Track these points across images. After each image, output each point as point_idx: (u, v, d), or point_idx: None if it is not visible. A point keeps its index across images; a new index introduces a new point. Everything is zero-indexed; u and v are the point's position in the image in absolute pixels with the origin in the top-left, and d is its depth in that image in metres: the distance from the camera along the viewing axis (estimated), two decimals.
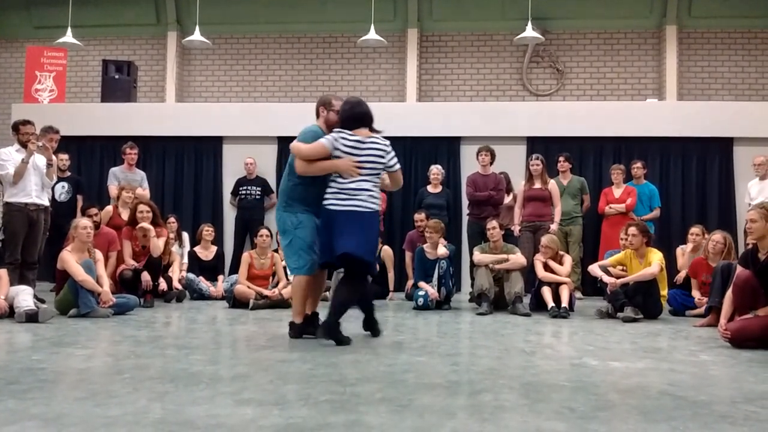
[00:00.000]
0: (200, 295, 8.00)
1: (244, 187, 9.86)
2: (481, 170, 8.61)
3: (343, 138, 4.66)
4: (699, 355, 4.36)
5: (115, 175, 8.74)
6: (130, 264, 7.22)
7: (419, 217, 8.38)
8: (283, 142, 9.48)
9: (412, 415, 2.70)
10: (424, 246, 7.50)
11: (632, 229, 6.74)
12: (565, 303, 6.64)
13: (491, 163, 8.59)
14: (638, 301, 6.33)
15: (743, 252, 5.56)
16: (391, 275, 8.42)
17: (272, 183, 9.93)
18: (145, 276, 7.02)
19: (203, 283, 8.11)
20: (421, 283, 7.22)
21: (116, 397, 2.91)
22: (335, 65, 12.46)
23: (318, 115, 5.00)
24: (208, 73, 12.71)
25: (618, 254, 7.00)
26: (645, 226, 6.93)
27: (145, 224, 7.26)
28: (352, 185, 4.63)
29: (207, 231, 8.53)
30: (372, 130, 4.80)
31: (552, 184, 8.36)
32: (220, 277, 8.32)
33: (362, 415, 2.67)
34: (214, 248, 8.58)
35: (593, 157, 9.95)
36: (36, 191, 6.74)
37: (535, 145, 9.68)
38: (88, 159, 10.53)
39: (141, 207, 7.40)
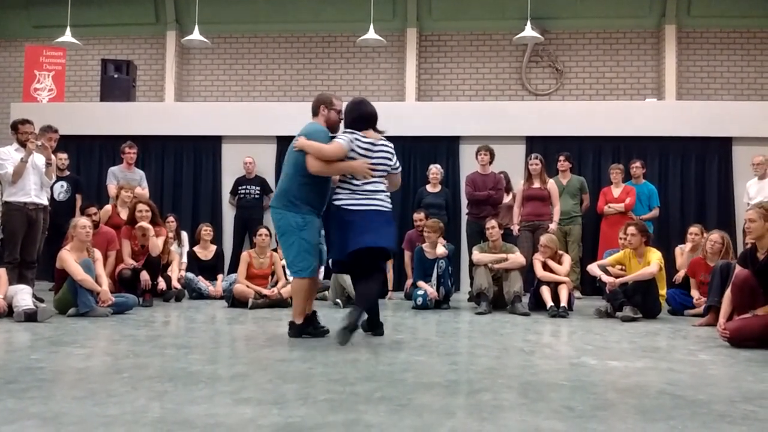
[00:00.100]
0: (199, 295, 8.00)
1: (243, 187, 9.86)
2: (480, 170, 8.62)
3: (357, 139, 4.73)
4: (698, 355, 4.36)
5: (114, 175, 8.74)
6: (129, 263, 7.22)
7: (418, 216, 8.38)
8: (282, 142, 9.48)
9: (411, 414, 2.71)
10: (423, 245, 7.50)
11: (631, 229, 6.74)
12: (564, 302, 6.64)
13: (490, 163, 8.59)
14: (637, 301, 6.34)
15: (742, 251, 5.57)
16: (390, 275, 8.42)
17: (271, 182, 9.93)
18: (144, 275, 7.02)
19: (202, 283, 8.11)
20: (420, 283, 7.22)
21: (115, 397, 2.90)
22: (334, 65, 12.46)
23: (317, 113, 4.96)
24: (207, 73, 12.71)
25: (617, 254, 7.00)
26: (644, 226, 6.94)
27: (144, 223, 7.26)
28: (369, 186, 4.73)
29: (205, 231, 8.53)
30: (375, 130, 4.86)
31: (551, 183, 8.37)
32: (220, 277, 8.32)
33: (361, 415, 2.68)
34: (213, 247, 8.57)
35: (592, 156, 9.95)
36: (35, 190, 6.74)
37: (535, 144, 9.69)
38: (87, 158, 10.53)
39: (140, 206, 7.39)
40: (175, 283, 7.81)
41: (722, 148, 9.75)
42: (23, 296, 5.69)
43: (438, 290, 7.13)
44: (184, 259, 8.46)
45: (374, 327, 4.97)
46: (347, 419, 2.60)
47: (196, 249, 8.48)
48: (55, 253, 6.35)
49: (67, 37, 10.65)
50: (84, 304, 5.87)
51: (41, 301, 6.12)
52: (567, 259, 7.23)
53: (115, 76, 10.89)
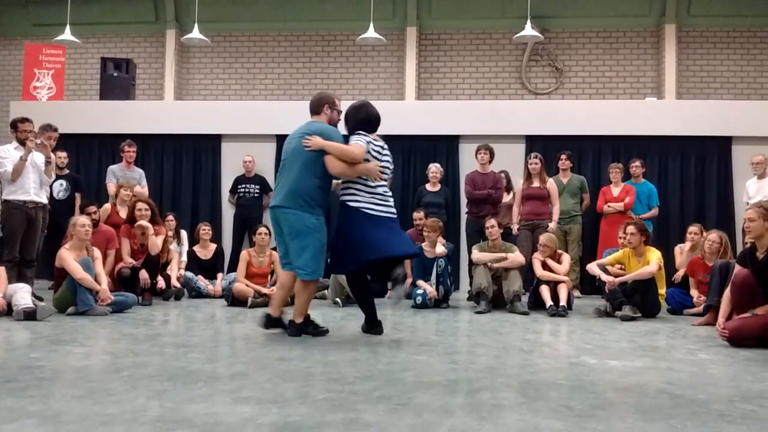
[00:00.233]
0: (198, 294, 8.00)
1: (243, 185, 9.86)
2: (479, 169, 8.62)
3: (370, 142, 4.81)
4: (697, 354, 4.36)
5: (114, 173, 8.74)
6: (129, 262, 7.21)
7: (418, 215, 8.38)
8: (282, 140, 9.44)
9: (411, 413, 2.71)
10: (423, 245, 7.50)
11: (631, 228, 6.74)
12: (563, 302, 6.64)
13: (490, 162, 8.59)
14: (636, 300, 6.34)
15: (741, 251, 5.57)
16: None
17: (271, 181, 9.92)
18: (144, 274, 7.01)
19: (201, 281, 8.10)
20: (420, 282, 7.22)
21: (114, 395, 2.90)
22: (334, 63, 12.45)
23: (318, 112, 4.93)
24: (206, 71, 12.70)
25: (616, 253, 7.01)
26: (643, 225, 6.94)
27: (144, 222, 7.25)
28: (380, 190, 4.84)
29: (204, 230, 8.52)
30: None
31: (550, 182, 8.37)
32: (219, 275, 8.31)
33: (360, 414, 2.68)
34: (213, 246, 8.56)
35: (592, 155, 9.96)
36: (34, 189, 6.73)
37: (534, 143, 9.69)
38: (86, 157, 10.53)
39: (139, 205, 7.39)
40: (175, 282, 7.81)
41: (722, 148, 9.75)
42: (22, 295, 5.68)
43: (437, 289, 7.13)
44: (184, 257, 8.46)
45: (373, 326, 4.98)
46: (346, 418, 2.60)
47: (195, 248, 8.47)
48: (55, 252, 6.35)
49: (67, 35, 10.64)
50: (83, 303, 5.87)
51: (40, 299, 6.12)
52: (566, 259, 7.24)
53: (115, 74, 10.89)
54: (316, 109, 4.95)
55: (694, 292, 6.86)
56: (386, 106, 10.62)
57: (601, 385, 3.35)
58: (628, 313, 6.21)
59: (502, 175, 8.75)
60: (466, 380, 3.44)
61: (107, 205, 8.19)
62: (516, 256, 7.06)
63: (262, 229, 7.64)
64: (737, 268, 5.12)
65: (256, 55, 12.64)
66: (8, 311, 5.64)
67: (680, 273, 7.25)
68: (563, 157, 9.02)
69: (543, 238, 7.27)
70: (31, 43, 11.67)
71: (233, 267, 8.42)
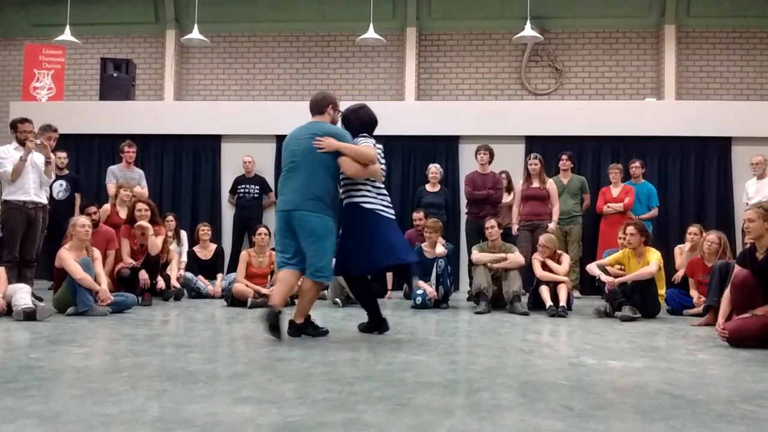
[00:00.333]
0: (198, 294, 8.00)
1: (243, 186, 9.86)
2: (479, 169, 8.62)
3: (375, 144, 4.86)
4: (697, 355, 4.36)
5: (114, 174, 8.74)
6: (128, 262, 7.21)
7: (418, 216, 8.38)
8: (282, 141, 9.44)
9: (410, 413, 2.71)
10: (423, 245, 7.50)
11: (630, 229, 6.74)
12: (563, 302, 6.64)
13: (490, 162, 8.59)
14: (636, 301, 6.34)
15: (741, 251, 5.57)
16: (389, 274, 8.42)
17: (270, 181, 9.94)
18: (143, 274, 7.01)
19: (201, 282, 8.11)
20: (420, 282, 7.22)
21: (114, 396, 2.90)
22: (334, 64, 12.46)
23: (322, 112, 4.88)
24: (206, 72, 12.71)
25: (616, 253, 7.01)
26: (643, 226, 6.94)
27: (144, 222, 7.25)
28: (383, 191, 4.92)
29: (203, 230, 8.52)
30: None
31: (550, 183, 8.37)
32: (219, 276, 8.31)
33: (360, 414, 2.68)
34: (213, 246, 8.56)
35: (591, 156, 9.96)
36: (34, 189, 6.73)
37: (534, 144, 9.69)
38: (86, 157, 10.53)
39: (139, 205, 7.39)
40: (174, 282, 7.81)
41: (721, 148, 9.76)
42: (22, 295, 5.68)
43: (437, 289, 7.13)
44: (184, 258, 8.46)
45: (378, 324, 4.99)
46: (346, 418, 2.60)
47: (195, 249, 8.47)
48: (54, 252, 6.34)
49: (67, 35, 10.64)
50: (83, 303, 5.86)
51: (40, 300, 6.12)
52: (566, 259, 7.24)
53: (115, 74, 10.88)
54: (319, 109, 4.90)
55: (693, 293, 6.86)
56: (386, 107, 10.68)
57: (600, 386, 3.35)
58: (628, 313, 6.21)
59: (503, 175, 8.75)
60: (466, 380, 3.44)
61: (107, 206, 8.19)
62: (516, 257, 7.06)
63: (262, 230, 7.64)
64: (737, 268, 5.12)
65: (255, 56, 12.65)
66: (8, 311, 5.64)
67: (680, 273, 7.25)
68: (564, 157, 9.02)
69: (542, 238, 7.27)
70: (30, 44, 11.68)
71: (233, 267, 8.42)
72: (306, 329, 4.84)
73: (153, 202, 7.74)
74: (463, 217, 9.11)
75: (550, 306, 6.58)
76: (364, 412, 2.71)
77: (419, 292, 7.10)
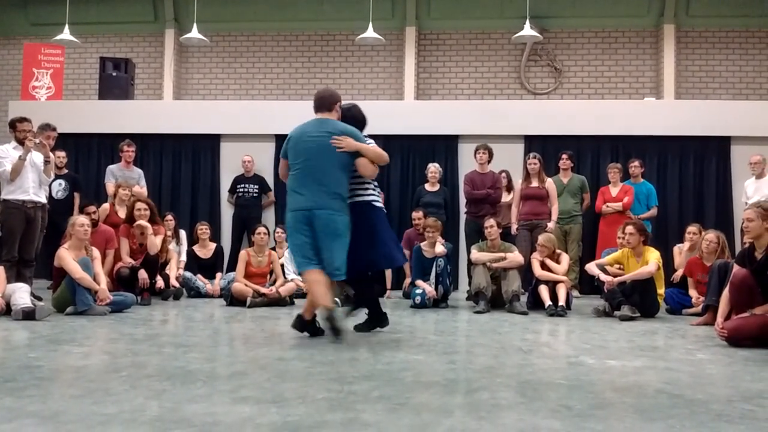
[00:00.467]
0: (197, 293, 8.00)
1: (242, 185, 9.86)
2: (478, 168, 8.61)
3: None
4: (696, 354, 4.37)
5: (113, 173, 8.73)
6: (128, 262, 7.21)
7: (417, 215, 8.39)
8: (281, 140, 9.41)
9: (410, 413, 2.71)
10: (422, 244, 7.50)
11: (629, 228, 6.75)
12: (562, 301, 6.65)
13: (489, 162, 8.58)
14: (635, 300, 6.34)
15: (740, 251, 5.57)
16: (388, 273, 8.43)
17: (270, 181, 9.94)
18: (142, 274, 7.02)
19: (200, 281, 8.11)
20: (419, 282, 7.23)
21: (113, 395, 2.90)
22: (333, 63, 12.45)
23: (331, 109, 4.84)
24: (205, 71, 12.69)
25: (615, 253, 7.01)
26: (642, 225, 6.94)
27: (143, 222, 7.26)
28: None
29: (201, 230, 8.52)
30: None
31: (549, 182, 8.37)
32: (218, 275, 8.32)
33: (359, 413, 2.68)
34: (212, 246, 8.57)
35: (591, 155, 9.97)
36: (33, 188, 6.73)
37: (533, 143, 9.70)
38: (85, 156, 10.53)
39: (138, 204, 7.39)
40: (174, 282, 7.81)
41: (720, 148, 9.77)
42: (21, 294, 5.68)
43: (436, 289, 7.14)
44: (183, 257, 8.46)
45: (379, 319, 5.00)
46: (345, 418, 2.60)
47: (195, 248, 8.48)
48: (54, 252, 6.34)
49: (66, 35, 10.63)
50: (82, 303, 5.87)
51: (39, 299, 6.12)
52: (565, 258, 7.24)
53: (114, 74, 10.88)
54: (328, 106, 4.84)
55: (692, 292, 6.87)
56: (385, 106, 10.71)
57: (599, 385, 3.35)
58: (627, 313, 6.21)
59: (502, 175, 8.75)
60: (465, 380, 3.44)
61: (106, 205, 8.19)
62: (515, 256, 7.07)
63: (261, 229, 7.64)
64: (736, 268, 5.12)
65: (255, 55, 12.64)
66: (7, 311, 5.64)
67: (679, 273, 7.26)
68: (564, 156, 9.02)
69: (541, 238, 7.27)
70: (30, 43, 11.67)
71: (232, 267, 8.42)
72: (309, 327, 4.84)
73: (152, 202, 7.74)
74: (462, 217, 9.11)
75: (549, 305, 6.58)
76: (363, 411, 2.71)
77: (418, 291, 7.10)
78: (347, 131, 4.74)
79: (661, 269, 6.67)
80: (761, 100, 11.25)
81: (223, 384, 3.21)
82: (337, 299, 7.16)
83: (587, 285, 8.63)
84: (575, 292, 8.17)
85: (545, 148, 9.33)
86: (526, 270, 7.30)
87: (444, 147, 10.09)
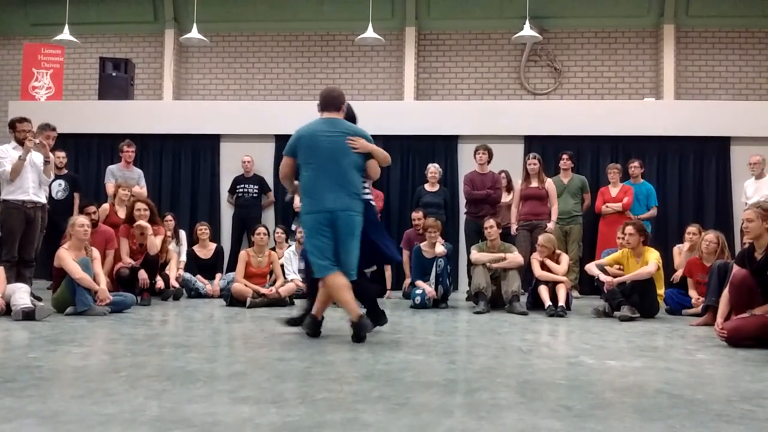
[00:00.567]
0: (197, 294, 8.00)
1: (242, 185, 9.86)
2: (478, 169, 8.61)
3: None
4: (695, 354, 4.37)
5: (113, 173, 8.73)
6: (127, 262, 7.21)
7: (417, 215, 8.39)
8: (281, 140, 9.47)
9: (409, 413, 2.71)
10: (422, 245, 7.50)
11: (629, 228, 6.75)
12: (562, 302, 6.65)
13: (489, 162, 8.58)
14: (635, 300, 6.34)
15: (740, 251, 5.58)
16: (388, 274, 8.43)
17: (269, 181, 9.94)
18: (142, 274, 7.02)
19: (200, 282, 8.10)
20: (419, 282, 7.23)
21: (113, 395, 2.90)
22: (333, 63, 12.45)
23: (339, 109, 4.82)
24: (205, 71, 12.69)
25: (615, 253, 7.01)
26: (642, 225, 6.94)
27: (143, 222, 7.25)
28: None
29: (201, 230, 8.52)
30: None
31: (549, 182, 8.37)
32: (218, 275, 8.31)
33: (359, 414, 2.68)
34: (212, 246, 8.56)
35: (590, 156, 9.96)
36: (33, 189, 6.72)
37: (533, 143, 9.70)
38: (85, 157, 10.53)
39: (138, 205, 7.39)
40: (173, 282, 7.81)
41: (720, 148, 9.77)
42: (21, 295, 5.68)
43: (436, 289, 7.14)
44: (183, 257, 8.46)
45: (377, 318, 4.99)
46: (345, 418, 2.60)
47: (195, 248, 8.47)
48: (53, 252, 6.34)
49: (66, 35, 10.63)
50: (82, 303, 5.87)
51: (39, 299, 6.12)
52: (565, 259, 7.24)
53: (114, 74, 10.88)
54: (337, 105, 4.80)
55: (692, 293, 6.87)
56: (385, 106, 10.71)
57: (599, 385, 3.35)
58: (627, 313, 6.21)
59: (502, 175, 8.76)
60: (465, 380, 3.44)
61: (106, 205, 8.19)
62: (515, 257, 7.07)
63: (261, 229, 7.64)
64: (736, 268, 5.12)
65: (255, 55, 12.63)
66: (7, 311, 5.64)
67: (678, 273, 7.26)
68: (565, 157, 9.03)
69: (541, 238, 7.27)
70: (29, 43, 11.66)
71: (232, 267, 8.43)
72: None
73: (152, 202, 7.74)
74: (462, 217, 9.11)
75: (549, 306, 6.58)
76: (363, 411, 2.71)
77: (418, 291, 7.10)
78: (359, 132, 4.75)
79: (660, 269, 6.67)
80: (761, 100, 11.25)
81: (222, 384, 3.21)
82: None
83: (587, 285, 8.63)
84: (575, 293, 8.17)
85: (545, 149, 9.33)
86: (525, 270, 7.30)
87: (444, 147, 10.09)
